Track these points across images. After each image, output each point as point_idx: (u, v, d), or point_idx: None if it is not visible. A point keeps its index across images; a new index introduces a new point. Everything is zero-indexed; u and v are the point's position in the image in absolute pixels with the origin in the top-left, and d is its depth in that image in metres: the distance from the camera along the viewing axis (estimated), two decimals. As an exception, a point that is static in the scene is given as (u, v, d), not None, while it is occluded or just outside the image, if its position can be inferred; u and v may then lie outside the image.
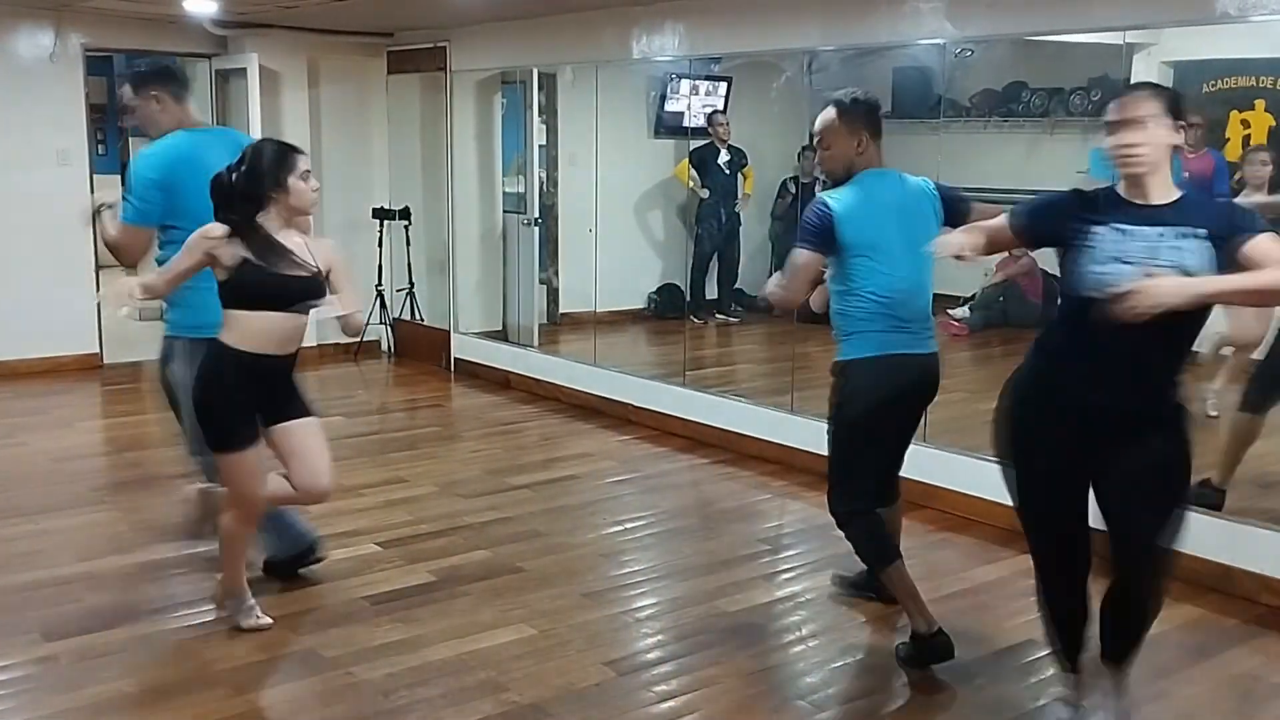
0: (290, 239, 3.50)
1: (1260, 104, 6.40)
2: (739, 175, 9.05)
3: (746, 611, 3.94)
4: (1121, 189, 2.76)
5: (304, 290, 3.45)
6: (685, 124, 9.00)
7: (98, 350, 7.74)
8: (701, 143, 8.92)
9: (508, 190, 8.34)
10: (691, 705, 3.29)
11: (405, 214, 8.37)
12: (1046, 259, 8.30)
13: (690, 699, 3.32)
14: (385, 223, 8.39)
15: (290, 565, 4.07)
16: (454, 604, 3.93)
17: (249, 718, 3.21)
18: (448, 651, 3.55)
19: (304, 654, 3.55)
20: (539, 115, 8.04)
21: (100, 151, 10.59)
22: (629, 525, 4.83)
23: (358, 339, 6.94)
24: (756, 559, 4.45)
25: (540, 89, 7.91)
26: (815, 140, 3.65)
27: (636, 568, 4.39)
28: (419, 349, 8.38)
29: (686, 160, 8.82)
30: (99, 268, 7.66)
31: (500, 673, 3.38)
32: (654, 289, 9.24)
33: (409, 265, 8.41)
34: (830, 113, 3.53)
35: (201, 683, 3.36)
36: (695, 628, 3.80)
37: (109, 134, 11.54)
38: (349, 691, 3.32)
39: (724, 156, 8.92)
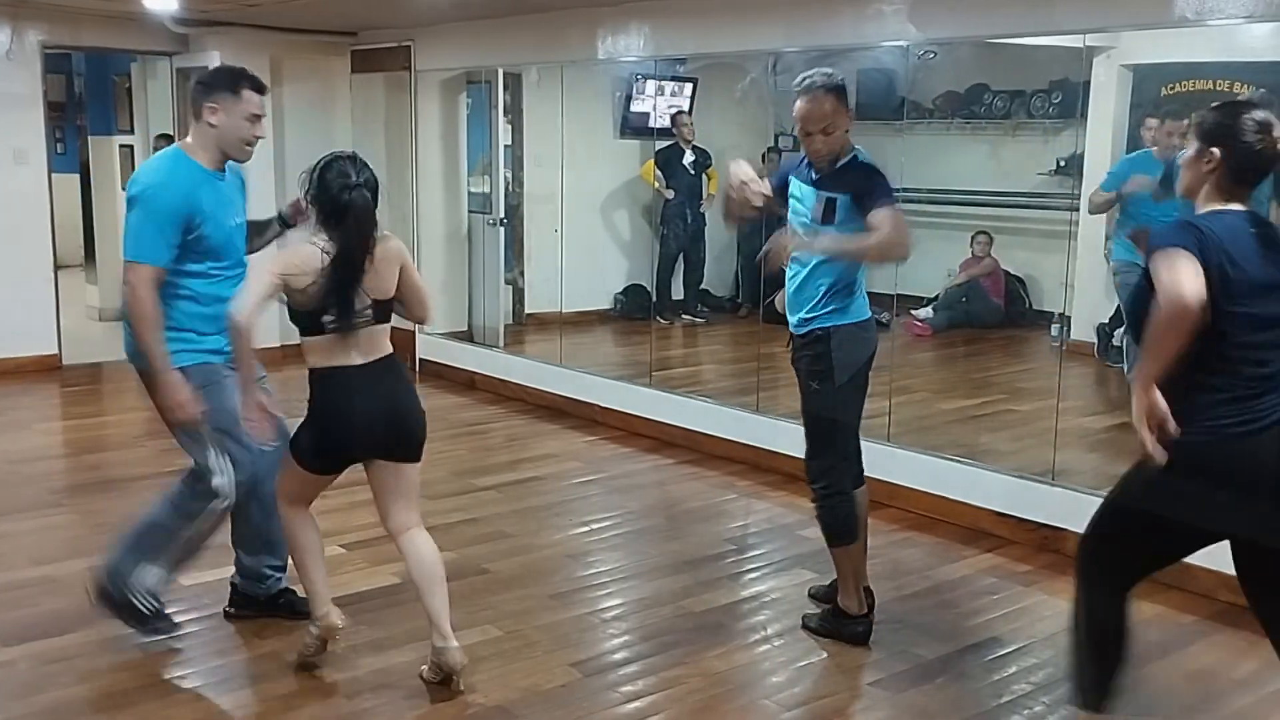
0: None
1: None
2: (704, 176, 9.07)
3: (713, 611, 3.95)
4: None
5: None
6: (651, 124, 9.01)
7: (56, 351, 7.63)
8: (666, 143, 8.93)
9: (473, 190, 8.31)
10: (657, 705, 3.29)
11: (369, 214, 8.29)
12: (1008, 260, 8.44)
13: (656, 699, 3.33)
14: (349, 223, 8.31)
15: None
16: (419, 606, 3.87)
17: (211, 722, 3.19)
18: (413, 654, 3.53)
19: (266, 657, 3.53)
20: (504, 115, 8.03)
21: (59, 150, 10.46)
22: (595, 526, 4.83)
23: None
24: (722, 559, 4.47)
25: (506, 89, 7.90)
26: (805, 128, 3.48)
27: (603, 568, 4.39)
28: (384, 350, 8.30)
29: (652, 161, 8.83)
30: (57, 268, 7.57)
31: (466, 674, 3.36)
32: (620, 289, 9.24)
33: (373, 265, 8.33)
34: (825, 95, 3.44)
35: (162, 688, 3.33)
36: (661, 628, 3.80)
37: (68, 133, 11.39)
38: (313, 694, 3.30)
39: (689, 157, 8.94)
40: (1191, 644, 3.77)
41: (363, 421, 3.23)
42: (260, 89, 3.55)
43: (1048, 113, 8.44)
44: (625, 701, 3.31)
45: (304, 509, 3.38)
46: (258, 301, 3.14)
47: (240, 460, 3.47)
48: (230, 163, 3.59)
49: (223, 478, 3.45)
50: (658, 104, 9.02)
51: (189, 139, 3.55)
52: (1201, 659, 3.68)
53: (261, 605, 3.78)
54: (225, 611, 3.80)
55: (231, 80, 3.52)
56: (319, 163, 3.22)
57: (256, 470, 3.50)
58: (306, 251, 3.16)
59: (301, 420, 3.29)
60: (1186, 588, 4.03)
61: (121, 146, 9.34)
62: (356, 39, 8.22)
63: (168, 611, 3.60)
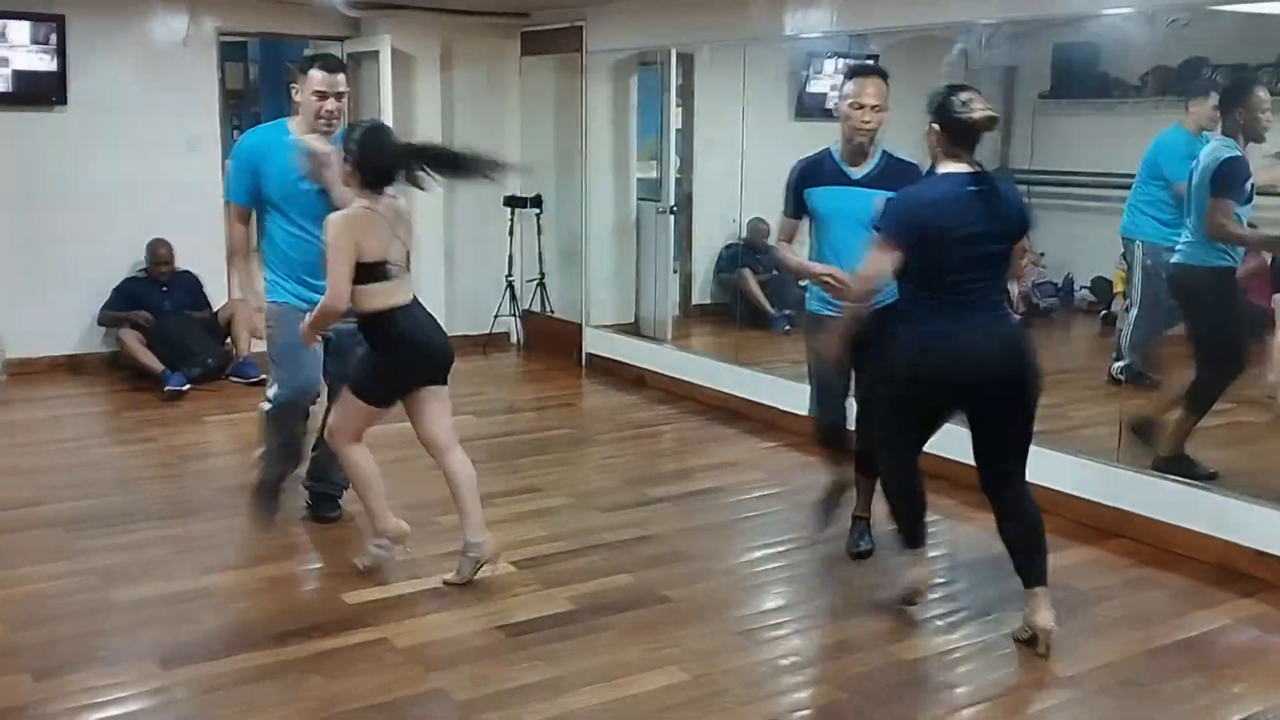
0: None
1: None
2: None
3: (925, 661, 3.48)
4: None
5: None
6: (828, 105, 8.47)
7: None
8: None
9: (641, 177, 7.97)
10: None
11: (537, 201, 8.06)
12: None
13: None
14: (516, 211, 8.09)
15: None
16: (597, 639, 3.56)
17: (374, 770, 2.91)
18: (591, 698, 3.18)
19: (433, 696, 3.22)
20: (675, 98, 7.63)
21: (236, 138, 10.57)
22: (782, 549, 4.39)
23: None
24: (929, 592, 3.97)
25: (678, 70, 7.50)
26: (863, 100, 3.90)
27: (794, 601, 3.97)
28: (549, 342, 8.08)
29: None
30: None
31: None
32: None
33: (540, 255, 8.10)
34: (881, 78, 3.95)
35: (328, 726, 3.07)
36: (869, 677, 3.35)
37: (245, 121, 11.53)
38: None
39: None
40: None
41: (438, 349, 3.85)
42: (330, 68, 4.07)
43: (1275, 89, 7.56)
44: (833, 771, 2.88)
45: (361, 443, 3.89)
46: (346, 281, 3.60)
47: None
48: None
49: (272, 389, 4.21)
50: (836, 84, 8.47)
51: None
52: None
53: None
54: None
55: (306, 62, 4.12)
56: (360, 132, 3.69)
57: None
58: (365, 215, 3.65)
59: (367, 362, 3.81)
60: None
61: (294, 133, 9.34)
62: (527, 20, 7.95)
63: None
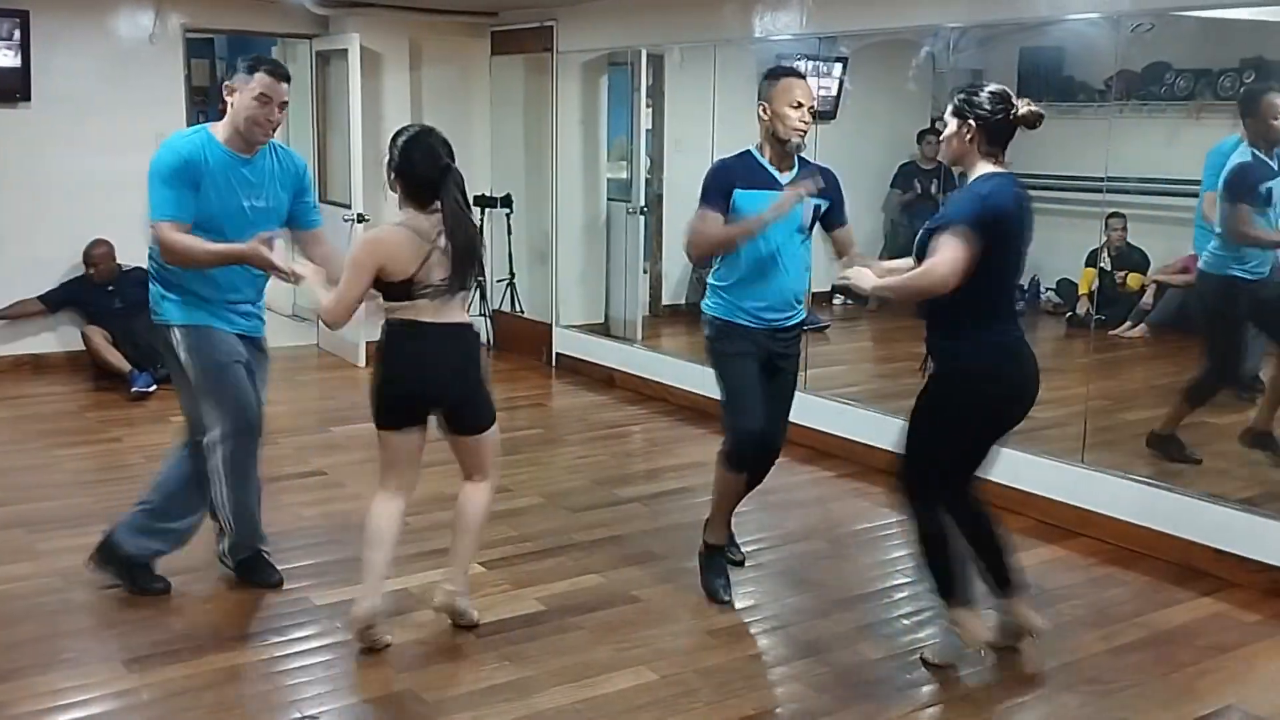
0: None
1: None
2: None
3: (892, 660, 3.50)
4: None
5: None
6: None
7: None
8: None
9: (611, 177, 7.97)
10: (839, 777, 2.88)
11: (507, 201, 8.04)
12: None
13: (838, 769, 2.92)
14: (486, 211, 8.07)
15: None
16: (566, 639, 3.57)
17: (344, 772, 2.90)
18: (560, 698, 3.19)
19: (402, 696, 3.22)
20: (646, 99, 7.63)
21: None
22: (752, 549, 4.40)
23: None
24: (895, 592, 4.02)
25: (648, 71, 7.51)
26: (799, 99, 3.69)
27: (763, 600, 3.98)
28: (519, 342, 8.06)
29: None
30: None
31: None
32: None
33: (510, 255, 8.08)
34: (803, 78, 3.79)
35: (292, 727, 3.06)
36: (837, 679, 3.37)
37: (211, 117, 11.42)
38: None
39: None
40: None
41: (432, 381, 3.43)
42: (279, 75, 3.61)
43: (1238, 94, 7.67)
44: (801, 769, 2.91)
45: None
46: (352, 305, 3.28)
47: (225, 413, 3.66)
48: (291, 156, 3.79)
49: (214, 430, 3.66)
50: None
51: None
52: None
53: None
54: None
55: (250, 63, 3.63)
56: (404, 138, 3.35)
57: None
58: (398, 234, 3.30)
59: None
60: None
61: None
62: (497, 19, 7.93)
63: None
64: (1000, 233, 3.11)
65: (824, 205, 3.78)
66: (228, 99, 3.61)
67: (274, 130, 3.63)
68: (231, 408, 3.64)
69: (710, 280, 3.89)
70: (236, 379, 3.66)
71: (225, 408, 3.63)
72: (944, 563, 3.36)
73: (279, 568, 3.95)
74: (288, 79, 3.66)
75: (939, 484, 3.33)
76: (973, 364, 3.24)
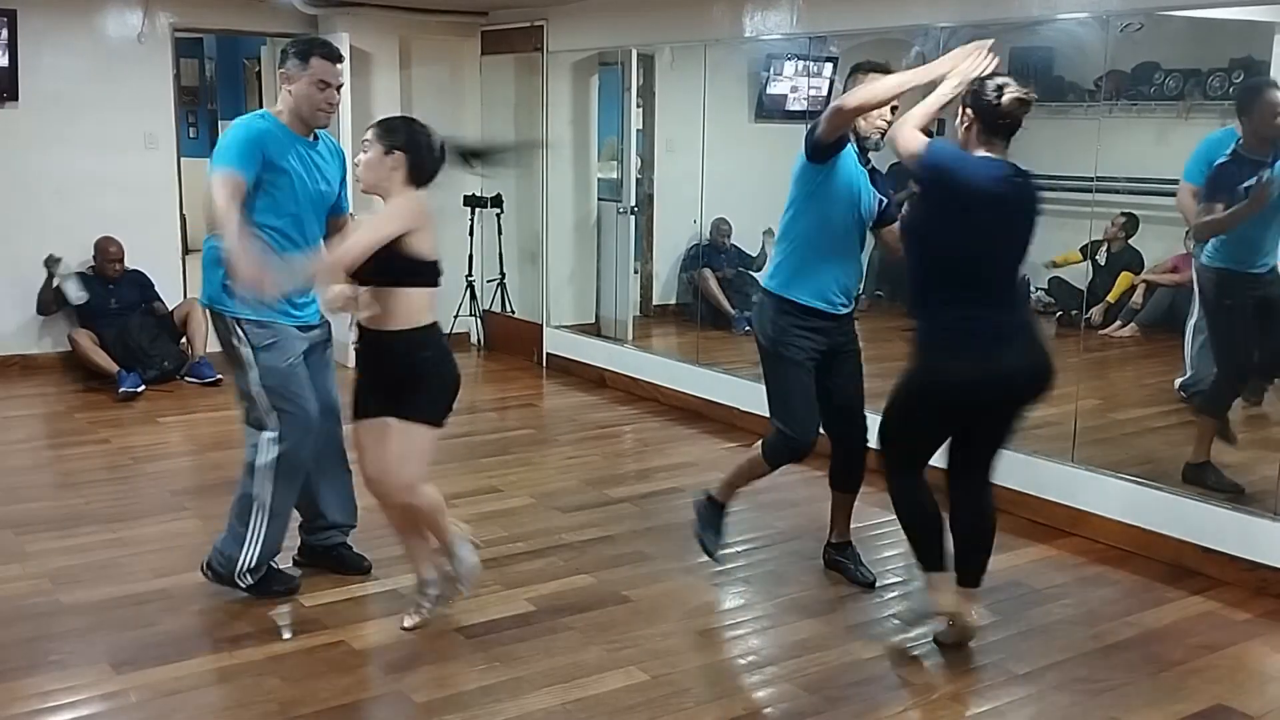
0: None
1: None
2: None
3: (882, 659, 3.50)
4: None
5: None
6: (788, 107, 8.51)
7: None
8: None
9: (601, 177, 7.96)
10: (830, 776, 2.88)
11: (497, 201, 8.03)
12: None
13: (828, 769, 2.91)
14: (476, 210, 8.06)
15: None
16: (557, 639, 3.56)
17: (333, 773, 2.89)
18: (551, 699, 3.18)
19: (391, 698, 3.21)
20: (636, 99, 7.63)
21: (192, 135, 10.46)
22: (742, 548, 4.40)
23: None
24: (885, 591, 4.02)
25: (638, 71, 7.50)
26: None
27: (754, 600, 3.98)
28: (510, 343, 8.05)
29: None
30: (186, 252, 7.46)
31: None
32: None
33: (500, 255, 8.07)
34: None
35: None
36: (826, 678, 3.37)
37: (200, 117, 11.40)
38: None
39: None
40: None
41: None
42: (333, 57, 3.64)
43: (1227, 94, 7.69)
44: (792, 769, 2.90)
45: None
46: (363, 255, 3.13)
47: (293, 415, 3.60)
48: (332, 140, 3.81)
49: (273, 432, 3.59)
50: (797, 85, 8.52)
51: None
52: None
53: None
54: (294, 560, 3.98)
55: (301, 47, 3.64)
56: (402, 124, 3.39)
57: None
58: (425, 209, 3.26)
59: (428, 385, 3.38)
60: None
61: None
62: (487, 19, 7.92)
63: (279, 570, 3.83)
64: (947, 194, 3.20)
65: (885, 202, 3.87)
66: (284, 87, 3.62)
67: (334, 112, 3.69)
68: (290, 412, 3.60)
69: (772, 264, 4.02)
70: (299, 385, 3.63)
71: (284, 412, 3.59)
72: (917, 532, 3.49)
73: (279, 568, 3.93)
74: (341, 59, 3.70)
75: (905, 459, 3.45)
76: (924, 343, 3.35)
